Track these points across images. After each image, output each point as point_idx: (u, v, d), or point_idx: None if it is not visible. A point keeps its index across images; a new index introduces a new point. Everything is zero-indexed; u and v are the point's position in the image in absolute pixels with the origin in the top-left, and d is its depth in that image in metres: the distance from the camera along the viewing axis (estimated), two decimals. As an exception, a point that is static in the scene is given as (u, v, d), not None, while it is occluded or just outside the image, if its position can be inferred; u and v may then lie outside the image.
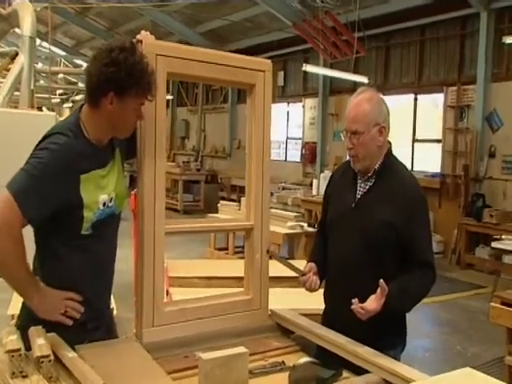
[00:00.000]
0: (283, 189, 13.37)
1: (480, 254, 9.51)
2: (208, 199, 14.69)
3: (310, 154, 14.18)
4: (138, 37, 2.10)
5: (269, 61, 2.48)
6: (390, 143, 2.44)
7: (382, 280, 2.14)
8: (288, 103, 15.44)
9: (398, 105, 11.82)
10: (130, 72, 1.92)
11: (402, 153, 10.72)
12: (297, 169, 14.72)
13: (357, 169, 2.42)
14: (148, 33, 2.13)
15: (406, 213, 2.26)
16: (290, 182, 14.22)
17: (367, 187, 2.40)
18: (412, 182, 2.38)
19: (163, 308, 2.19)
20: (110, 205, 2.09)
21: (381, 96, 2.42)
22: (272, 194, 11.59)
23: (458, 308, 7.32)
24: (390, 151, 2.43)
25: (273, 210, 7.83)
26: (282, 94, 15.36)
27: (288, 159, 15.44)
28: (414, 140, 11.62)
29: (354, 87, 11.59)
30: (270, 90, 2.42)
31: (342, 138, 2.38)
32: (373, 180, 2.40)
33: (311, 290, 2.46)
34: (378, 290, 2.16)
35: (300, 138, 14.96)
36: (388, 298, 2.15)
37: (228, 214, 7.93)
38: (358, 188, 2.42)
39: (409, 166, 10.86)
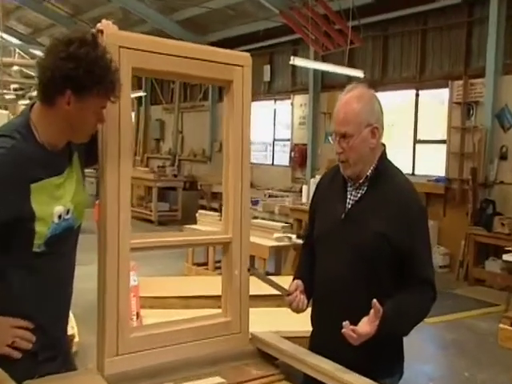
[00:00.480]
0: (270, 196, 13.46)
1: (490, 267, 9.51)
2: (186, 208, 14.65)
3: (300, 156, 14.15)
4: (99, 26, 2.08)
5: (247, 54, 2.48)
6: (384, 146, 2.45)
7: (375, 300, 2.13)
8: (275, 100, 15.41)
9: (398, 102, 11.80)
10: (91, 69, 1.89)
11: (402, 155, 11.01)
12: (285, 173, 14.77)
13: (347, 175, 2.42)
14: (110, 22, 2.11)
15: (402, 224, 2.26)
16: (278, 189, 14.30)
17: (358, 195, 2.41)
18: (408, 188, 2.39)
19: (129, 334, 2.17)
20: (66, 217, 2.06)
21: (373, 93, 2.43)
22: (257, 202, 11.61)
23: (465, 329, 7.32)
24: (384, 155, 2.45)
25: (258, 221, 7.99)
26: (269, 91, 15.33)
27: (275, 163, 15.49)
28: (416, 141, 11.67)
29: (348, 82, 10.97)
30: (250, 86, 2.42)
31: (331, 142, 2.44)
32: (365, 187, 2.40)
33: (298, 310, 2.46)
34: (372, 311, 2.16)
35: (288, 140, 14.95)
36: (383, 320, 2.15)
37: (208, 224, 7.91)
38: (349, 196, 2.43)
39: (410, 170, 11.14)
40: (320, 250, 2.50)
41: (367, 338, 2.16)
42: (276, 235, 7.12)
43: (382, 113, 2.41)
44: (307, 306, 2.49)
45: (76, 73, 1.88)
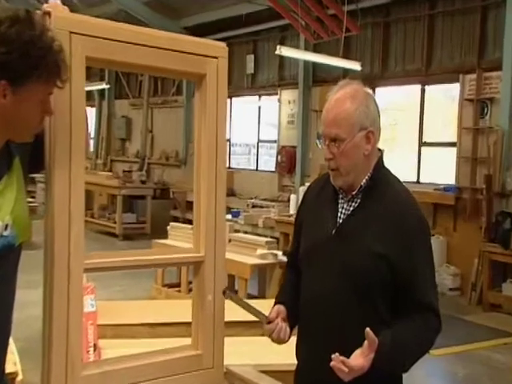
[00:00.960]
0: (253, 206, 13.33)
1: (508, 291, 9.49)
2: (156, 220, 14.55)
3: (288, 161, 14.06)
4: (45, 7, 2.04)
5: (223, 44, 2.48)
6: (380, 152, 2.48)
7: (368, 329, 2.13)
8: (260, 96, 15.30)
9: (401, 99, 11.84)
10: (27, 52, 1.83)
11: (405, 160, 11.09)
12: (271, 180, 14.65)
13: (338, 185, 2.45)
14: (59, 1, 2.07)
15: (400, 241, 2.29)
16: (262, 198, 14.21)
17: (351, 209, 2.43)
18: (407, 199, 2.41)
19: (81, 371, 2.13)
20: (5, 234, 2.00)
21: (369, 91, 2.44)
22: (238, 214, 11.54)
23: (478, 362, 7.27)
24: (380, 162, 2.47)
25: (239, 235, 7.90)
26: (252, 85, 15.20)
27: (260, 168, 15.35)
28: (421, 143, 11.65)
29: (344, 76, 11.57)
30: (225, 81, 2.43)
31: (319, 146, 2.51)
32: (358, 200, 2.42)
33: (279, 340, 2.46)
34: (365, 342, 2.15)
35: (275, 141, 14.82)
36: (378, 353, 2.15)
37: (181, 239, 7.88)
38: (340, 210, 2.44)
39: (414, 177, 11.11)
40: (306, 270, 2.50)
41: (360, 373, 2.15)
42: (259, 252, 7.10)
43: (379, 115, 2.42)
44: (290, 336, 2.47)
45: (8, 58, 1.82)
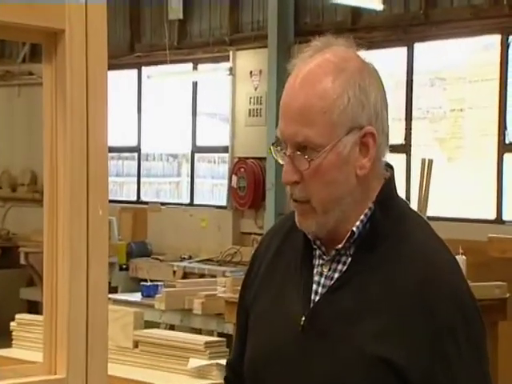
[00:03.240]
0: (185, 275, 10.05)
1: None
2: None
3: (251, 186, 10.23)
4: None
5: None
6: (391, 169, 2.01)
7: None
8: (195, 64, 11.38)
9: (464, 62, 9.01)
10: None
11: (473, 178, 9.10)
12: (219, 224, 10.91)
13: (309, 232, 1.95)
14: None
15: (424, 339, 1.82)
16: (202, 258, 10.59)
17: (335, 276, 1.95)
18: (441, 261, 1.93)
19: None
20: None
21: (365, 59, 1.93)
22: (155, 291, 8.42)
23: None
24: (388, 189, 1.98)
25: (154, 331, 5.79)
26: (180, 42, 11.39)
27: (197, 201, 11.51)
28: (503, 145, 8.61)
29: (352, 21, 9.48)
30: (105, 42, 1.71)
31: (274, 156, 1.99)
32: (347, 258, 1.94)
33: None
34: None
35: (225, 150, 10.97)
36: None
37: (37, 344, 5.43)
38: (316, 278, 1.97)
39: (491, 212, 8.83)
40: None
41: None
42: (194, 363, 5.23)
43: (386, 102, 1.94)
44: None
45: None
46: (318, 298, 1.95)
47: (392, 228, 1.95)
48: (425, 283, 1.86)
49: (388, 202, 1.97)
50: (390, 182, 1.99)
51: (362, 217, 1.93)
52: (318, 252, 1.98)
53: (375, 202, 1.95)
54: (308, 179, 1.90)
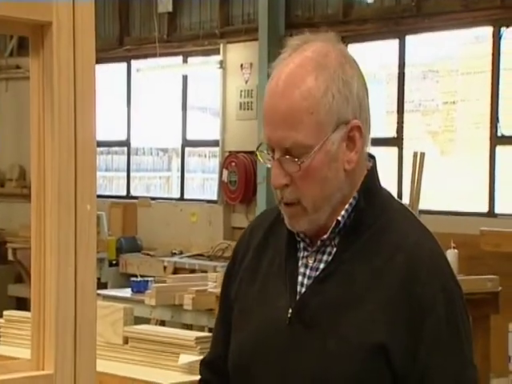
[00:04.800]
0: (176, 270, 10.06)
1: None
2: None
3: (242, 180, 10.39)
4: None
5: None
6: (372, 159, 2.02)
7: None
8: (185, 57, 11.42)
9: (456, 52, 9.14)
10: None
11: (466, 170, 9.18)
12: (209, 219, 10.98)
13: (300, 229, 1.96)
14: None
15: (410, 324, 1.84)
16: (193, 254, 10.59)
17: (320, 266, 1.95)
18: (424, 246, 1.94)
19: None
20: None
21: (344, 50, 1.98)
22: (145, 286, 8.39)
23: None
24: (371, 178, 1.99)
25: (145, 328, 5.84)
26: (170, 35, 11.44)
27: (187, 196, 11.55)
28: (496, 138, 8.66)
29: (344, 14, 9.60)
30: (93, 35, 1.60)
31: (260, 160, 2.01)
32: (332, 248, 1.95)
33: None
34: None
35: (216, 144, 11.04)
36: None
37: (24, 342, 5.39)
38: (301, 270, 1.97)
39: (483, 205, 8.88)
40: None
41: None
42: (185, 359, 5.19)
43: (367, 91, 1.94)
44: None
45: None
46: (304, 289, 1.94)
47: (376, 216, 1.96)
48: (409, 270, 1.86)
49: (372, 192, 1.97)
50: (372, 172, 1.99)
51: (347, 206, 1.93)
52: (302, 244, 1.98)
53: (359, 191, 1.95)
54: (298, 181, 1.90)
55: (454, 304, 1.90)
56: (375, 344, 1.82)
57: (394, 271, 1.87)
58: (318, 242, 1.94)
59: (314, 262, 1.95)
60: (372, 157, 2.04)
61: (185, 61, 11.44)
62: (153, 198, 11.69)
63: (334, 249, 1.94)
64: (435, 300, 1.87)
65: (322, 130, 1.86)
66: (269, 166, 1.96)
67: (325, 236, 1.92)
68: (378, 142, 8.82)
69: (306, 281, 1.95)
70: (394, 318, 1.85)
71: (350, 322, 1.87)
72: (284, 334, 1.94)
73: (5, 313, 5.78)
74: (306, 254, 1.97)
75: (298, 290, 1.94)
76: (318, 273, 1.94)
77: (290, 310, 1.92)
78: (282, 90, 1.87)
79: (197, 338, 5.29)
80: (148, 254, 10.74)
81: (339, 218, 1.93)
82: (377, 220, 1.97)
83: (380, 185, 2.04)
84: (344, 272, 1.92)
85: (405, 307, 1.85)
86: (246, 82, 10.51)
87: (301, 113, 1.86)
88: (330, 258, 1.94)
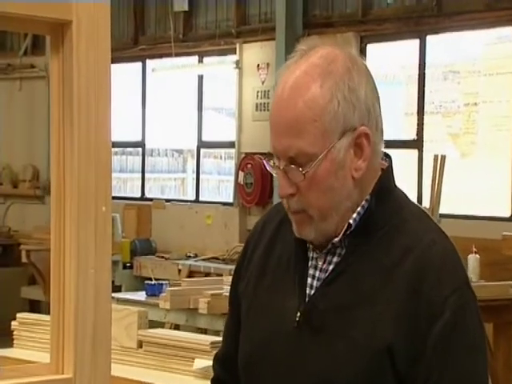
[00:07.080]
0: (191, 273, 10.05)
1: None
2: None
3: (259, 182, 10.33)
4: None
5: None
6: (389, 158, 2.01)
7: None
8: (200, 56, 11.42)
9: (481, 54, 9.00)
10: None
11: (490, 175, 9.14)
12: (226, 221, 10.91)
13: (307, 237, 1.96)
14: None
15: (418, 327, 1.83)
16: (208, 257, 10.57)
17: (330, 268, 1.97)
18: (437, 250, 1.92)
19: None
20: None
21: (353, 55, 1.95)
22: (160, 290, 8.28)
23: None
24: (386, 179, 1.98)
25: (159, 332, 5.66)
26: (186, 35, 11.37)
27: (203, 198, 11.54)
28: None
29: (363, 13, 9.57)
30: (108, 34, 1.66)
31: (268, 168, 2.02)
32: (342, 249, 1.95)
33: None
34: None
35: (231, 145, 11.01)
36: None
37: (38, 345, 5.52)
38: (311, 272, 1.99)
39: (506, 209, 8.85)
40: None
41: None
42: (200, 364, 5.11)
43: (378, 97, 1.92)
44: None
45: None
46: (312, 291, 1.95)
47: (388, 218, 1.96)
48: (419, 271, 1.86)
49: (385, 192, 1.97)
50: (387, 173, 1.99)
51: (358, 209, 1.93)
52: (310, 245, 1.99)
53: (372, 193, 1.95)
54: (304, 190, 1.90)
55: (465, 309, 1.89)
56: (383, 346, 1.82)
57: (404, 272, 1.87)
58: (329, 245, 1.95)
59: (324, 263, 1.96)
60: (388, 156, 2.03)
61: (200, 61, 11.42)
62: (167, 200, 11.68)
63: (344, 250, 1.95)
64: (445, 304, 1.86)
65: (327, 137, 1.86)
66: (275, 175, 1.97)
67: (336, 239, 1.92)
68: (397, 144, 8.88)
69: (315, 283, 1.96)
70: (402, 320, 1.85)
71: (358, 323, 1.88)
72: (291, 336, 1.95)
73: (18, 315, 5.80)
74: (315, 255, 1.98)
75: (307, 292, 1.95)
76: (327, 274, 1.96)
77: (299, 314, 1.93)
78: (286, 98, 1.88)
79: (212, 343, 5.19)
80: (162, 257, 10.75)
81: (351, 222, 1.93)
82: (389, 221, 1.97)
83: (395, 185, 2.03)
84: (353, 273, 1.93)
85: (413, 310, 1.85)
86: (263, 82, 10.49)
87: (305, 121, 1.86)
88: (339, 259, 1.96)
